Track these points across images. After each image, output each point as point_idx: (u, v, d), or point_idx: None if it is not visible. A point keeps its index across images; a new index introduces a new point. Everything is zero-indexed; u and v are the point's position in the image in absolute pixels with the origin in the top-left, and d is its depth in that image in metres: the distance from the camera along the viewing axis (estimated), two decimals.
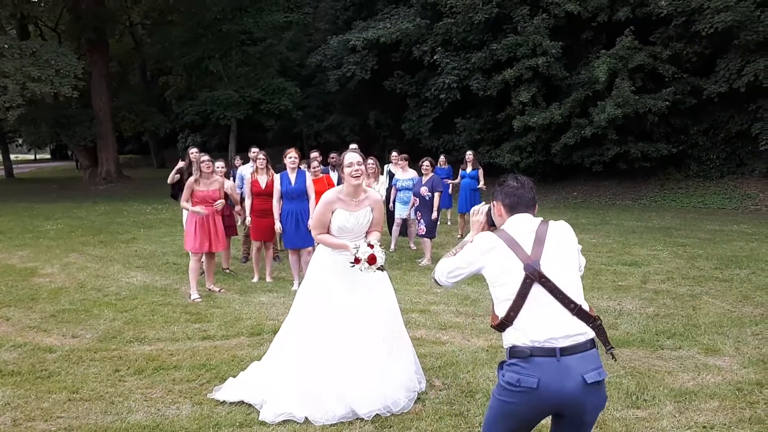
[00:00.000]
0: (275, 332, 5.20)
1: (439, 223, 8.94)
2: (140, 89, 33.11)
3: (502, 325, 2.30)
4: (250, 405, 3.80)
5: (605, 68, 16.43)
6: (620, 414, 3.68)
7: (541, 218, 2.44)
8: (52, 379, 4.25)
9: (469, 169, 10.73)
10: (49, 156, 61.68)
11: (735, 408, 3.75)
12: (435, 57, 19.96)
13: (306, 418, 3.61)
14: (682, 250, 9.42)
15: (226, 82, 24.60)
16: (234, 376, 4.15)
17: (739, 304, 6.26)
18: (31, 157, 64.48)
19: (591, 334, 2.27)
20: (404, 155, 9.86)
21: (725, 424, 3.54)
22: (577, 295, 2.29)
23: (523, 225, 2.39)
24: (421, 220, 8.67)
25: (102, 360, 4.65)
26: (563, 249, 2.37)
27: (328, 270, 3.95)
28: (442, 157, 11.89)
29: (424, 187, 8.67)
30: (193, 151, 7.52)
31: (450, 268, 2.52)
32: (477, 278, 7.11)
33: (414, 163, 9.99)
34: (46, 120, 25.84)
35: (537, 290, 2.25)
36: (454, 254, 2.57)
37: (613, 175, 18.63)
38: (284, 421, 3.59)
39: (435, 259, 8.64)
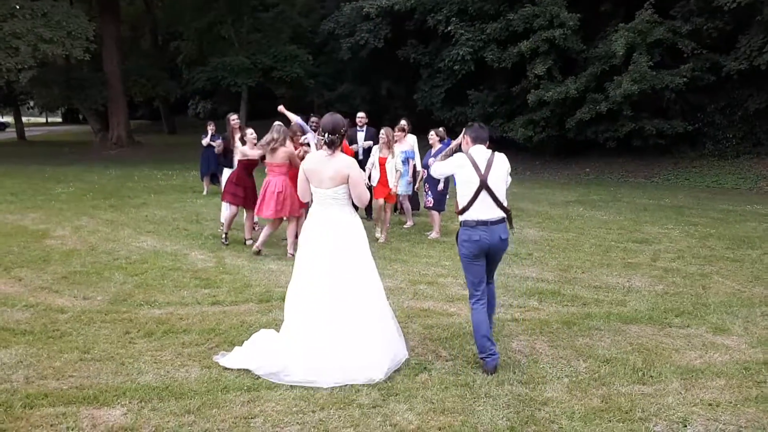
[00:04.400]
0: (284, 299, 5.26)
1: (447, 196, 8.75)
2: (151, 54, 32.90)
3: (462, 211, 4.04)
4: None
5: (623, 42, 16.07)
6: (626, 390, 3.69)
7: (491, 150, 4.14)
8: (63, 339, 4.31)
9: None
10: (60, 119, 61.74)
11: (741, 387, 3.75)
12: (449, 27, 19.61)
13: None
14: (693, 229, 9.35)
15: (237, 48, 24.37)
16: (241, 344, 4.19)
17: (750, 284, 6.22)
18: (42, 120, 64.60)
19: (504, 215, 4.06)
20: (401, 124, 8.87)
21: (731, 402, 3.54)
22: (503, 198, 4.07)
23: (481, 153, 4.11)
24: (429, 192, 8.58)
25: (113, 322, 4.71)
26: (501, 172, 4.09)
27: (307, 240, 4.12)
28: (434, 132, 10.68)
29: (432, 159, 8.48)
30: (234, 118, 8.61)
31: (440, 171, 4.30)
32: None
33: (425, 135, 9.88)
34: (57, 82, 25.79)
35: (483, 193, 3.99)
36: (446, 156, 4.41)
37: (626, 151, 18.40)
38: (292, 387, 3.64)
39: (444, 233, 8.61)
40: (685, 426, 3.30)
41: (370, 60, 23.71)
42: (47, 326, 4.57)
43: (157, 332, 4.48)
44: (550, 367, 4.01)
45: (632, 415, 3.38)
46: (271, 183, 7.05)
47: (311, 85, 26.09)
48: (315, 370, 3.74)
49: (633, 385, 3.77)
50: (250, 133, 7.71)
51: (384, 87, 24.46)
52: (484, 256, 4.02)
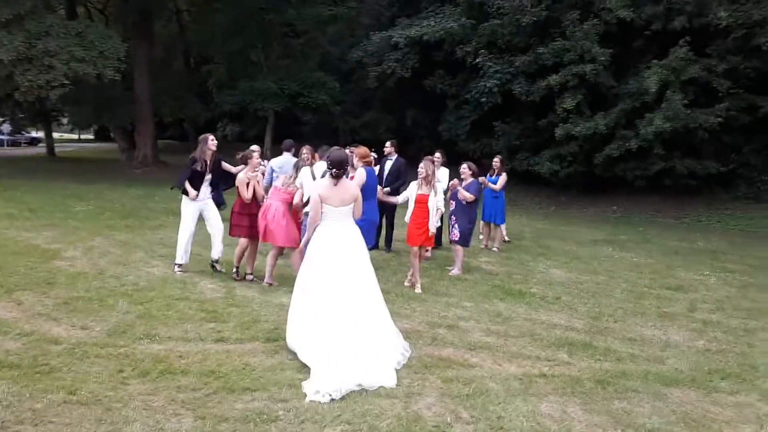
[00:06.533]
0: None
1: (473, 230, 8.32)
2: (182, 76, 33.30)
3: None
4: (259, 416, 3.51)
5: (656, 79, 15.69)
6: None
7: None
8: (51, 376, 3.99)
9: (494, 176, 10.20)
10: (92, 137, 62.81)
11: None
12: (478, 59, 19.44)
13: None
14: (731, 277, 8.81)
15: (266, 73, 24.48)
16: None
17: None
18: (75, 136, 65.84)
19: None
20: (435, 156, 8.94)
21: None
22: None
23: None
24: (455, 225, 8.17)
25: (107, 357, 4.38)
26: None
27: (318, 251, 4.80)
28: (467, 165, 10.28)
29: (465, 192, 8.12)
30: (211, 138, 7.29)
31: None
32: (510, 294, 6.59)
33: (451, 166, 9.57)
34: (88, 100, 26.09)
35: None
36: None
37: (655, 190, 17.82)
38: None
39: (466, 269, 8.20)
40: None
41: (396, 89, 23.61)
42: (37, 359, 4.25)
43: (153, 372, 4.14)
44: None
45: None
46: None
47: (337, 112, 26.06)
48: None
49: None
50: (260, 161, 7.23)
51: (409, 116, 24.27)
52: None
